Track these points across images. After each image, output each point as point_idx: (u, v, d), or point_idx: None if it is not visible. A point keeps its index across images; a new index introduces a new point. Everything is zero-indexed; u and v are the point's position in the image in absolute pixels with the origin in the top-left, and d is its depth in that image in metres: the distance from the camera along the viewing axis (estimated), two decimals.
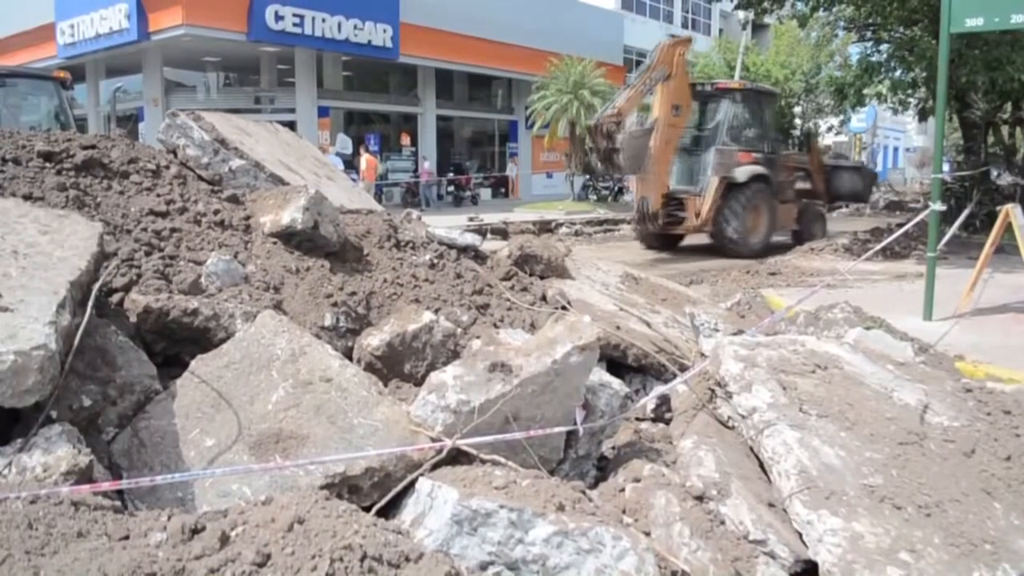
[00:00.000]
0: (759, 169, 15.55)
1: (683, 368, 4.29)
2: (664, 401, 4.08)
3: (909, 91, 16.22)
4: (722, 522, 2.77)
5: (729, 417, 3.44)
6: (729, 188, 15.07)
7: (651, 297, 5.82)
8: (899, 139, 70.03)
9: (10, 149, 3.89)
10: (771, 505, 2.87)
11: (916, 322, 6.89)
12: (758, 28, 39.52)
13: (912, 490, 2.78)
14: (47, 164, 3.89)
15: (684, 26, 44.72)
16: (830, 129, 41.90)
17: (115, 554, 1.89)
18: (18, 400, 2.26)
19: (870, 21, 16.85)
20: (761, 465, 3.12)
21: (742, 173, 15.15)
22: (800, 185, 17.58)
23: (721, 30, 45.16)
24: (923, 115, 19.66)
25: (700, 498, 2.86)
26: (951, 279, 8.29)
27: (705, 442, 3.22)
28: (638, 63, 41.36)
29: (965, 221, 12.32)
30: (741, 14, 23.23)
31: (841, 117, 39.70)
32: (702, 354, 4.52)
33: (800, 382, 3.34)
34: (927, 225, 7.67)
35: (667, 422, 3.92)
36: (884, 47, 16.83)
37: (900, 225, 10.97)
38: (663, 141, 14.53)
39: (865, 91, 16.19)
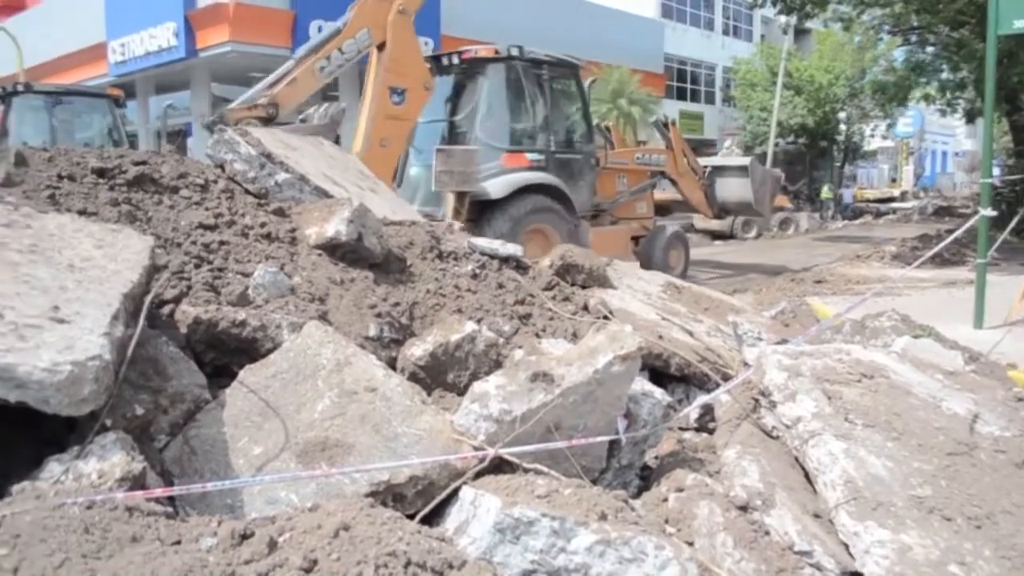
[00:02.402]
0: (536, 177, 10.44)
1: (726, 377, 4.27)
2: (707, 411, 4.07)
3: (957, 92, 15.92)
4: (767, 533, 2.75)
5: (773, 427, 3.41)
6: (484, 208, 9.94)
7: (693, 306, 5.80)
8: (948, 143, 68.73)
9: (65, 166, 4.02)
10: (817, 516, 2.84)
11: (966, 330, 6.76)
12: (800, 33, 39.19)
13: (962, 501, 2.74)
14: (100, 180, 4.01)
15: (725, 32, 44.47)
16: (873, 133, 41.31)
17: (168, 558, 1.94)
18: (75, 409, 2.33)
19: (915, 24, 16.58)
20: (806, 475, 3.09)
21: (499, 185, 9.96)
22: (651, 197, 13.43)
23: (763, 36, 44.77)
24: (971, 117, 19.25)
25: (744, 508, 2.84)
26: (1002, 286, 8.11)
27: (749, 452, 3.20)
28: (679, 71, 41.36)
29: (1016, 226, 12.05)
30: (783, 19, 22.84)
31: (888, 121, 39.18)
32: (745, 363, 4.49)
33: (845, 391, 3.30)
34: (977, 231, 7.52)
35: (711, 432, 3.91)
36: (930, 49, 16.55)
37: (949, 231, 10.78)
38: (374, 142, 9.39)
39: (912, 90, 15.86)
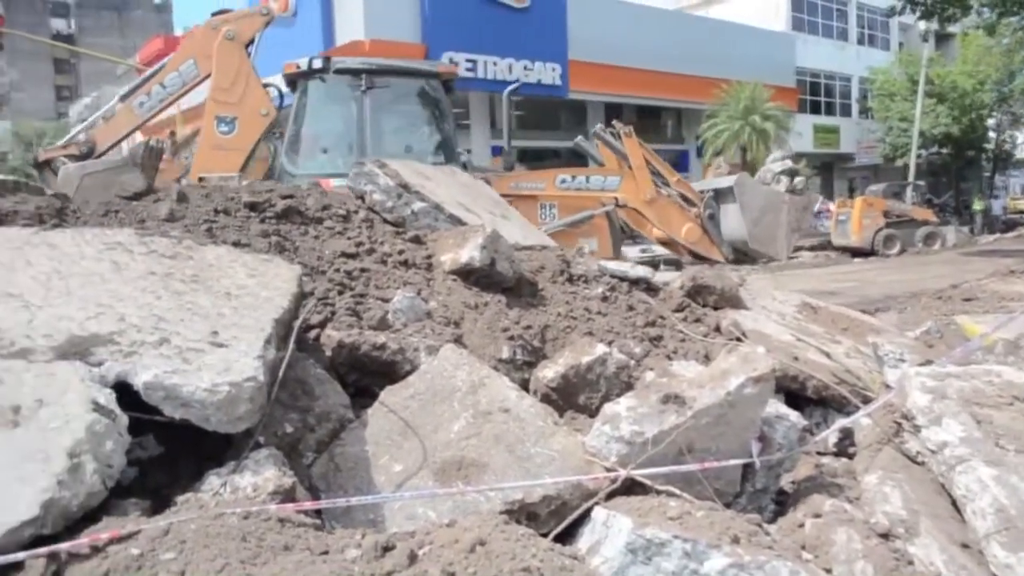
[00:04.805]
0: None
1: (866, 400, 4.12)
2: (847, 435, 3.93)
3: None
4: (910, 562, 2.64)
5: (917, 452, 3.28)
6: None
7: (831, 327, 5.62)
8: None
9: (221, 201, 4.34)
10: (965, 546, 2.71)
11: None
12: (942, 38, 37.34)
13: None
14: (252, 213, 4.30)
15: (860, 42, 42.86)
16: None
17: (316, 567, 2.07)
18: (232, 426, 2.52)
19: None
20: (954, 503, 2.96)
21: None
22: (609, 228, 10.06)
23: (901, 44, 42.90)
24: None
25: (886, 536, 2.74)
26: None
27: (891, 478, 3.09)
28: (812, 84, 40.12)
29: None
30: (922, 25, 21.78)
31: None
32: (887, 386, 4.33)
33: (995, 415, 3.14)
34: None
35: (850, 457, 3.78)
36: None
37: None
38: (195, 174, 8.13)
39: None
